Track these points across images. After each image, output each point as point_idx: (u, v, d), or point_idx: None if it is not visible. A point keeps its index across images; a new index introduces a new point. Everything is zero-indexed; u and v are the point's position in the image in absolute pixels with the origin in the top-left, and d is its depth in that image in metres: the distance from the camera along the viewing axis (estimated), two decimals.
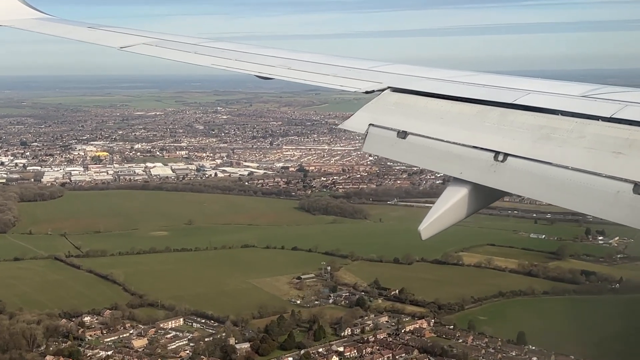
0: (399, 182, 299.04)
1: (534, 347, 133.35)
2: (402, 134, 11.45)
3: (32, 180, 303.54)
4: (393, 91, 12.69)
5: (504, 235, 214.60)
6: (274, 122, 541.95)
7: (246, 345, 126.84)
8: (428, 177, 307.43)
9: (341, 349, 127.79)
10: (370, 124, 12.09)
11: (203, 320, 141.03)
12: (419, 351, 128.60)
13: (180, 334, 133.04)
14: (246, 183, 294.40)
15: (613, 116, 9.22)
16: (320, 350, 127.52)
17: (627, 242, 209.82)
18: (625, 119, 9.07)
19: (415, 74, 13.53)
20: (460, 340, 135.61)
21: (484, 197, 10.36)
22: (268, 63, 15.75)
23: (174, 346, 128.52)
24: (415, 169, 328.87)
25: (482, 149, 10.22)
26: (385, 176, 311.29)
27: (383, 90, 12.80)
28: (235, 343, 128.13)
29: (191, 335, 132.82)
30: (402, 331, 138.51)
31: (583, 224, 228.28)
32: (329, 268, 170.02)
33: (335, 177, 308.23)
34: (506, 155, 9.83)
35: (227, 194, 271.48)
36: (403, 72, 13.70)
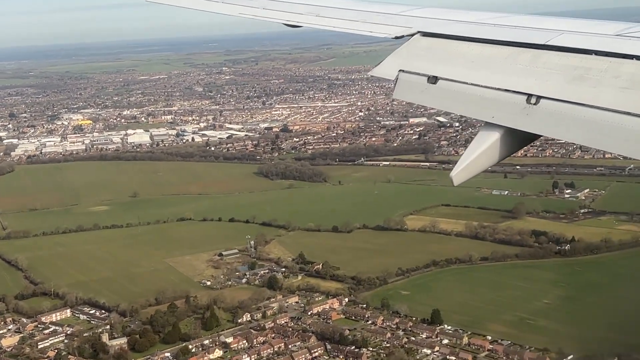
0: (374, 139, 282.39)
1: (449, 327, 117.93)
2: (433, 79, 10.96)
3: (2, 154, 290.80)
4: (423, 36, 12.07)
5: (464, 193, 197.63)
6: (275, 80, 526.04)
7: (123, 340, 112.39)
8: (406, 132, 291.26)
9: (230, 339, 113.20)
10: (400, 70, 11.56)
11: (92, 311, 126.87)
12: (316, 337, 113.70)
13: (60, 329, 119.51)
14: (212, 148, 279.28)
15: None
16: (206, 342, 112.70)
17: (596, 194, 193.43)
18: None
19: (445, 17, 12.84)
20: (370, 322, 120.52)
21: (516, 140, 9.81)
22: (296, 11, 14.86)
23: (47, 344, 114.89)
24: (393, 123, 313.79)
25: (514, 92, 9.80)
26: (363, 133, 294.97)
27: (413, 35, 12.19)
28: (114, 337, 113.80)
29: (71, 329, 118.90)
30: (309, 313, 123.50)
31: (555, 175, 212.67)
32: (252, 242, 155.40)
33: (308, 137, 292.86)
34: (539, 97, 9.44)
35: (188, 161, 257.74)
36: (433, 15, 13.01)
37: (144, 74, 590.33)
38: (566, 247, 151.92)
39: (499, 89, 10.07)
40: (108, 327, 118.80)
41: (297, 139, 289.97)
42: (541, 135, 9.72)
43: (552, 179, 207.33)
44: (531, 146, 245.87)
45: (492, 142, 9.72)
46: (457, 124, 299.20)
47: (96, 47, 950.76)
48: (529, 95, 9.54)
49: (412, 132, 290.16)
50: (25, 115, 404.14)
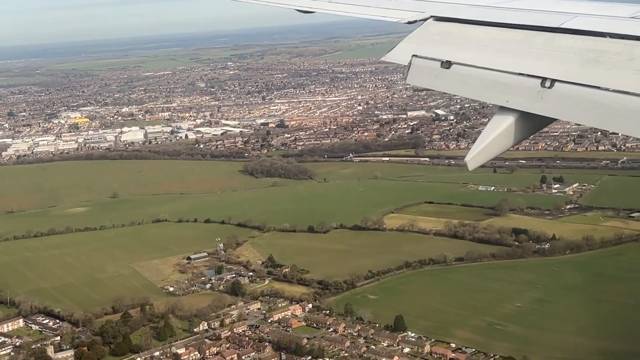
0: (366, 134, 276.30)
1: (412, 334, 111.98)
2: (446, 64, 10.79)
3: None
4: (436, 20, 11.91)
5: (449, 189, 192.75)
6: (279, 75, 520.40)
7: (70, 353, 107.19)
8: (399, 126, 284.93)
9: (182, 350, 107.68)
10: (413, 55, 11.33)
11: (46, 321, 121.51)
12: (272, 347, 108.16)
13: (9, 341, 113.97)
14: (201, 146, 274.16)
15: None
16: (157, 354, 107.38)
17: (585, 189, 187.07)
18: None
19: (458, 1, 12.71)
20: (331, 330, 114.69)
21: (531, 125, 9.79)
22: None
23: None
24: (391, 117, 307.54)
25: (528, 75, 9.64)
26: (356, 128, 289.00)
27: (426, 19, 12.03)
28: (61, 350, 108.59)
29: (20, 341, 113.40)
30: (269, 321, 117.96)
31: (545, 169, 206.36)
32: (221, 245, 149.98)
33: (300, 133, 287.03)
34: (553, 81, 9.31)
35: (174, 159, 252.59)
36: (446, 0, 12.82)
37: (149, 70, 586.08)
38: (546, 246, 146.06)
39: (513, 73, 9.85)
40: (58, 338, 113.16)
41: (289, 135, 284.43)
42: (555, 119, 9.58)
43: (542, 173, 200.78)
44: None
45: (506, 126, 9.52)
46: (452, 117, 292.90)
47: (105, 44, 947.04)
48: (544, 79, 9.32)
49: (405, 126, 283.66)
50: (24, 114, 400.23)
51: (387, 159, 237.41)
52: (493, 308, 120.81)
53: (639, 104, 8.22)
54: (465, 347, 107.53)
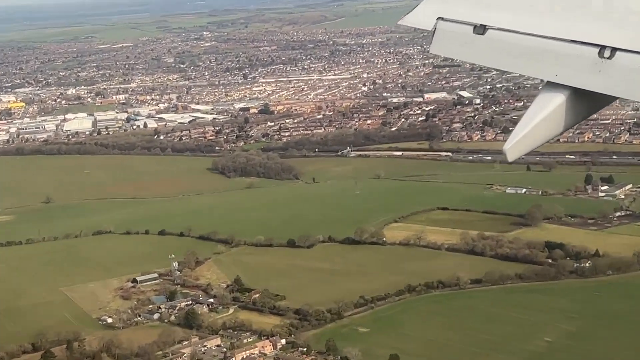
0: (369, 122, 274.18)
1: None
2: (480, 29, 10.61)
3: None
4: None
5: (469, 192, 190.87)
6: (266, 47, 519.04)
7: None
8: (411, 112, 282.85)
9: None
10: (438, 18, 11.18)
11: None
12: None
13: None
14: (161, 137, 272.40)
15: None
16: None
17: None
18: None
19: None
20: None
21: (586, 104, 9.72)
22: None
23: None
24: (404, 100, 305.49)
25: (583, 43, 9.46)
26: (357, 114, 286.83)
27: None
28: None
29: None
30: None
31: (592, 167, 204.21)
32: (176, 264, 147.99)
33: (287, 121, 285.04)
34: (614, 49, 9.07)
35: (127, 154, 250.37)
36: None
37: (105, 43, 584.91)
38: (586, 265, 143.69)
39: (564, 40, 9.63)
40: None
41: (272, 124, 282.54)
42: (617, 97, 9.35)
43: (587, 172, 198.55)
44: None
45: (555, 106, 9.45)
46: (477, 101, 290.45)
47: (53, 9, 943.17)
48: (602, 47, 9.11)
49: (419, 112, 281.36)
50: None
51: (395, 153, 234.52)
52: (515, 344, 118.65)
53: None
54: None
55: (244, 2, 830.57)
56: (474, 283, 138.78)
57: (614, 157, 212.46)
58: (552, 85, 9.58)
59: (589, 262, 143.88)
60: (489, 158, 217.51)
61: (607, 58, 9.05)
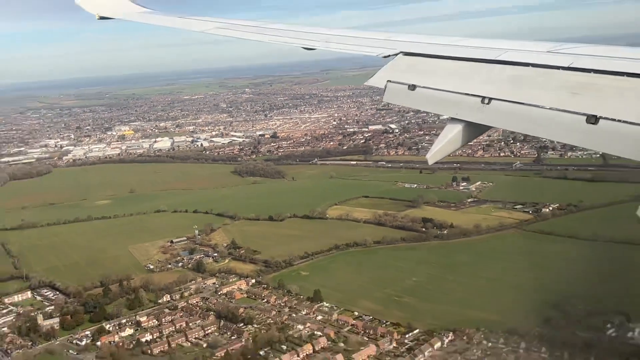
0: (331, 143, 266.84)
1: (327, 305, 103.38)
2: (412, 87, 10.78)
3: (56, 158, 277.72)
4: (405, 55, 11.90)
5: (383, 186, 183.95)
6: (281, 98, 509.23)
7: (56, 320, 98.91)
8: (357, 137, 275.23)
9: (144, 318, 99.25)
10: (388, 81, 11.33)
11: (48, 293, 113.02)
12: (215, 316, 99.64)
13: (15, 309, 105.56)
14: (207, 152, 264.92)
15: (570, 66, 8.63)
16: (124, 321, 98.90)
17: (485, 187, 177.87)
18: (580, 67, 8.47)
19: (422, 41, 12.56)
20: (265, 301, 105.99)
21: (474, 131, 9.75)
22: (311, 38, 14.40)
23: None
24: (356, 130, 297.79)
25: (472, 95, 9.59)
26: (325, 138, 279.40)
27: (397, 54, 11.99)
28: (50, 317, 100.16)
29: (23, 310, 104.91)
30: (219, 294, 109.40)
31: (459, 170, 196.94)
32: (197, 231, 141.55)
33: (283, 142, 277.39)
34: (491, 99, 9.27)
35: (184, 162, 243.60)
36: (412, 40, 12.73)
37: (188, 95, 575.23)
38: (445, 232, 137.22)
39: (461, 93, 9.70)
40: (52, 307, 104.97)
41: (274, 144, 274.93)
42: (492, 127, 9.29)
43: (454, 174, 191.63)
44: None
45: (456, 132, 9.47)
46: (397, 130, 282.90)
47: (160, 75, 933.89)
48: (483, 97, 9.30)
49: (362, 137, 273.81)
50: (88, 127, 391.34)
51: (344, 163, 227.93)
52: (395, 283, 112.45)
53: (554, 115, 8.08)
54: (365, 315, 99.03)
55: (272, 71, 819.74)
56: (376, 243, 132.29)
57: (472, 164, 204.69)
58: (454, 119, 9.39)
59: (446, 230, 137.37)
60: (400, 165, 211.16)
61: (487, 104, 9.00)
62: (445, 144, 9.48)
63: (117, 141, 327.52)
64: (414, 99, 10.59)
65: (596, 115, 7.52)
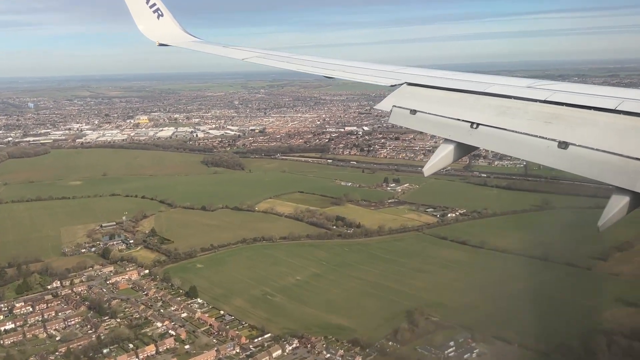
0: (300, 140, 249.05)
1: (200, 301, 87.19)
2: (413, 112, 10.40)
3: (70, 140, 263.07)
4: (408, 85, 11.53)
5: (322, 183, 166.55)
6: (286, 99, 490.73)
7: None
8: (323, 137, 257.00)
9: (21, 304, 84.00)
10: (393, 105, 10.95)
11: None
12: (86, 306, 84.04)
13: None
14: (189, 142, 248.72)
15: (546, 99, 8.51)
16: (1, 305, 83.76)
17: (411, 188, 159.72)
18: (554, 101, 8.37)
19: (422, 74, 12.19)
20: (144, 293, 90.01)
21: (464, 150, 9.40)
22: (331, 68, 13.88)
23: None
24: (333, 130, 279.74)
25: (463, 120, 9.38)
26: (296, 136, 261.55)
27: (402, 84, 11.59)
28: None
29: None
30: (106, 282, 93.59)
31: (395, 172, 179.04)
32: (124, 217, 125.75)
33: (260, 138, 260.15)
34: (478, 124, 9.10)
35: (165, 150, 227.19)
36: (415, 72, 12.30)
37: (211, 92, 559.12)
38: (350, 231, 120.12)
39: (454, 118, 9.44)
40: None
41: (252, 138, 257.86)
42: (479, 147, 9.02)
43: (393, 174, 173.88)
44: (389, 149, 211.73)
45: (448, 150, 9.20)
46: (360, 133, 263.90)
47: (202, 75, 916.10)
48: (472, 123, 9.14)
49: (327, 137, 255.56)
50: (115, 115, 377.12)
51: (301, 159, 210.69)
52: (277, 280, 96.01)
53: (530, 140, 7.90)
54: (228, 315, 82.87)
55: (292, 77, 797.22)
56: (281, 239, 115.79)
57: (410, 168, 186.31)
58: (447, 140, 9.10)
59: (352, 229, 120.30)
60: (350, 165, 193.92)
61: (475, 128, 8.85)
62: (439, 159, 9.12)
63: (130, 128, 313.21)
64: (415, 122, 10.15)
65: (566, 142, 7.53)
